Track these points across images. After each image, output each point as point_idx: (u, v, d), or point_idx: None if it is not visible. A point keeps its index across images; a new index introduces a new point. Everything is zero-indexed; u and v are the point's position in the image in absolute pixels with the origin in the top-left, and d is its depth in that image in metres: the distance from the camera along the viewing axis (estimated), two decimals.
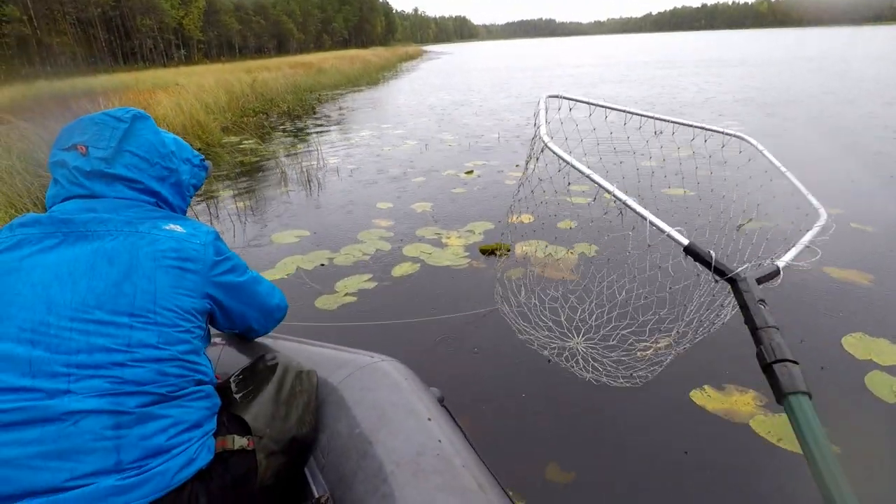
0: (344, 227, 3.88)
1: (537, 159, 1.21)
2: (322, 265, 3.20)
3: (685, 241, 0.92)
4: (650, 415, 1.80)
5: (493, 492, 0.91)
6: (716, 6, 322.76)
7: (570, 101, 1.31)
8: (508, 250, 3.23)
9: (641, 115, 1.31)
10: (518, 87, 14.57)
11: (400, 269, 3.07)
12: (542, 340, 1.45)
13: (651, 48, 39.28)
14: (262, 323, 1.17)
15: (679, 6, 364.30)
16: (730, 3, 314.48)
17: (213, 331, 1.09)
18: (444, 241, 3.47)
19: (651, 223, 0.95)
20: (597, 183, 1.07)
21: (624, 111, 1.31)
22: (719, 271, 0.90)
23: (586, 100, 1.31)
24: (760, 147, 1.30)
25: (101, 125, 0.97)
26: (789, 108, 8.23)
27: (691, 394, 1.86)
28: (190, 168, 1.12)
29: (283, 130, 8.85)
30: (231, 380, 1.08)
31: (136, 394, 0.79)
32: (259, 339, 1.31)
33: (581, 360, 1.34)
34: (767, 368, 0.72)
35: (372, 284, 2.90)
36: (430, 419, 1.03)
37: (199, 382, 0.89)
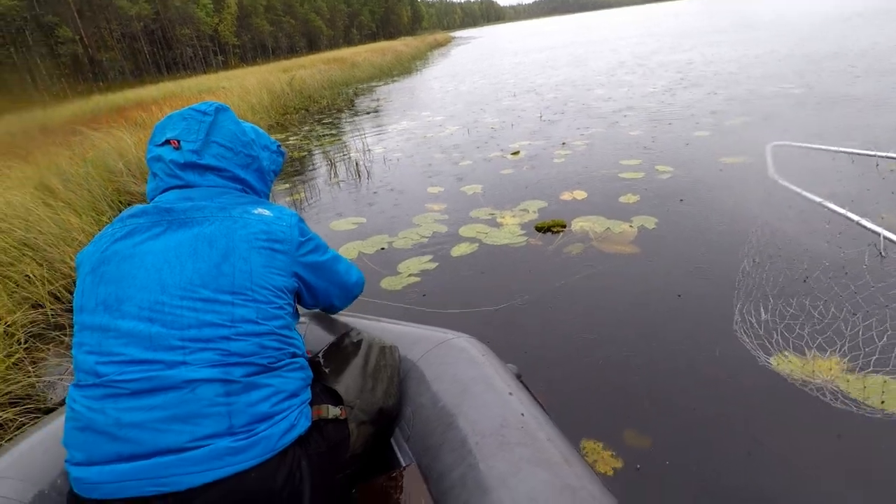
0: (397, 212, 3.97)
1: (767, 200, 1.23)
2: (382, 249, 3.31)
3: None
4: (723, 374, 1.80)
5: (579, 466, 0.92)
6: None
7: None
8: (564, 226, 3.24)
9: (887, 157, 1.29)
10: (551, 64, 14.30)
11: (458, 250, 3.14)
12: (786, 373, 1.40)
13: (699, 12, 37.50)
14: (343, 299, 1.24)
15: None
16: None
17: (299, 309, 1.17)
18: (499, 220, 3.51)
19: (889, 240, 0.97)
20: (835, 211, 1.09)
21: (868, 154, 1.29)
22: None
23: (819, 146, 1.31)
24: None
25: (189, 120, 1.06)
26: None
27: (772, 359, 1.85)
28: (269, 154, 1.19)
29: (325, 124, 9.05)
30: (319, 354, 1.15)
31: (241, 364, 0.86)
32: (341, 318, 1.40)
33: (830, 395, 1.28)
34: None
35: (433, 265, 2.98)
36: (511, 394, 1.06)
37: (294, 355, 0.95)
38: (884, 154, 1.26)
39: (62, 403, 1.46)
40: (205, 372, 0.83)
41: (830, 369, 1.60)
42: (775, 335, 1.51)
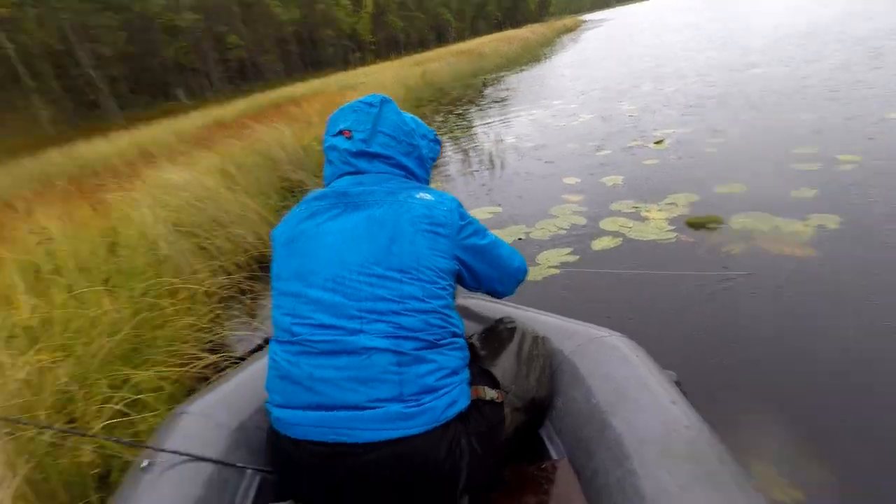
0: (533, 202, 3.96)
1: None
2: (520, 239, 3.33)
3: None
4: None
5: (755, 495, 0.84)
6: None
7: None
8: (720, 223, 2.98)
9: None
10: (694, 45, 13.07)
11: (600, 243, 3.04)
12: None
13: None
14: (505, 283, 1.24)
15: None
16: None
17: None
18: (643, 214, 3.34)
19: None
20: None
21: None
22: None
23: None
24: None
25: (359, 112, 1.14)
26: None
27: None
28: (427, 143, 1.25)
29: (457, 115, 9.26)
30: (474, 337, 1.19)
31: (410, 338, 0.93)
32: (492, 304, 1.42)
33: None
34: None
35: (573, 258, 2.94)
36: (673, 402, 1.01)
37: (454, 335, 1.00)
38: None
39: (252, 353, 1.70)
40: (379, 342, 0.91)
41: None
42: None
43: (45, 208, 4.17)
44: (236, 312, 2.99)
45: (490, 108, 9.56)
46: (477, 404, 0.99)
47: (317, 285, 0.97)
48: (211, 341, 2.46)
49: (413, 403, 0.90)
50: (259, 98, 15.19)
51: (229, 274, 3.28)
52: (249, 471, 1.08)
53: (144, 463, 1.03)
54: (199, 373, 2.18)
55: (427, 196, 1.06)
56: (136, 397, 1.87)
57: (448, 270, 1.03)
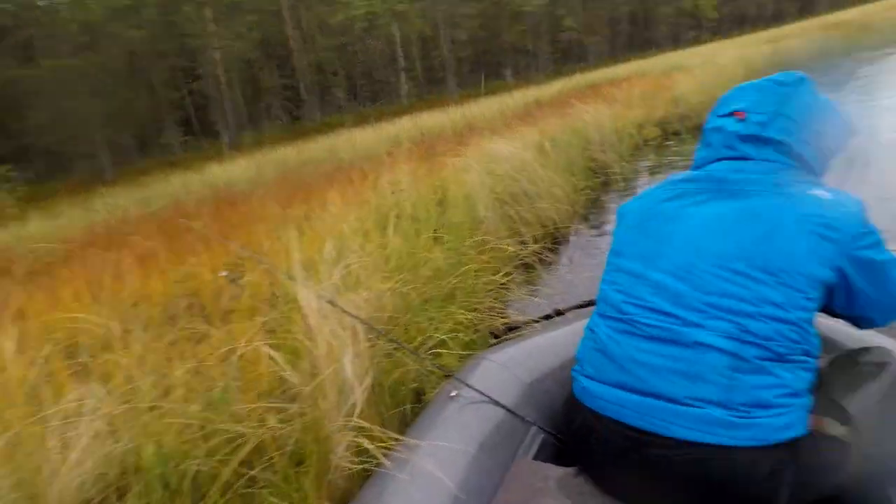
0: None
1: None
2: None
3: None
4: None
5: None
6: None
7: None
8: None
9: None
10: None
11: None
12: None
13: None
14: (884, 313, 1.01)
15: None
16: None
17: None
18: None
19: None
20: None
21: None
22: None
23: None
24: None
25: (763, 91, 1.04)
26: None
27: None
28: (837, 133, 1.08)
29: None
30: (824, 360, 0.99)
31: (755, 345, 0.84)
32: (855, 329, 1.15)
33: None
34: None
35: None
36: None
37: (807, 353, 0.88)
38: None
39: (542, 319, 1.79)
40: (718, 340, 0.85)
41: None
42: None
43: (399, 165, 5.22)
44: (529, 278, 3.26)
45: (869, 92, 7.47)
46: (814, 436, 0.87)
47: (662, 269, 0.95)
48: (508, 300, 2.75)
49: (742, 413, 0.83)
50: (578, 79, 15.52)
51: (525, 244, 3.57)
52: (534, 427, 1.16)
53: (453, 392, 1.20)
54: (493, 328, 2.45)
55: (824, 194, 0.93)
56: (452, 335, 2.09)
57: (823, 281, 0.90)
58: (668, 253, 0.95)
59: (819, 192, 0.93)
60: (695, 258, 0.92)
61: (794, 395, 0.86)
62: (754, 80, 1.08)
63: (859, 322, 1.07)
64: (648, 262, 0.97)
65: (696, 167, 1.11)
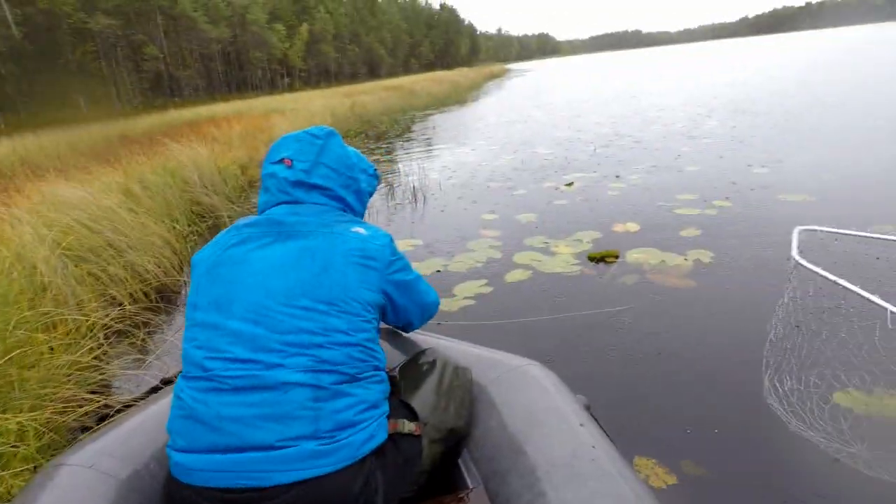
0: (453, 236, 4.06)
1: (790, 278, 1.36)
2: (438, 272, 3.38)
3: None
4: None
5: (651, 502, 0.90)
6: (822, 4, 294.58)
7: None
8: (617, 257, 3.23)
9: None
10: (604, 99, 14.29)
11: (512, 276, 3.17)
12: (820, 441, 1.42)
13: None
14: (420, 318, 1.27)
15: (780, 6, 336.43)
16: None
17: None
18: (552, 249, 3.53)
19: None
20: (857, 293, 1.16)
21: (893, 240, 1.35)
22: None
23: (849, 232, 1.38)
24: None
25: (303, 142, 1.13)
26: None
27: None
28: (366, 177, 1.24)
29: (383, 149, 9.36)
30: (396, 370, 1.18)
31: (331, 372, 0.90)
32: (416, 336, 1.42)
33: (863, 464, 1.32)
34: None
35: (488, 289, 3.03)
36: (581, 425, 1.05)
37: (376, 368, 0.99)
38: None
39: (147, 394, 1.56)
40: (298, 376, 0.88)
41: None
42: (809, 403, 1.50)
43: None
44: (129, 349, 2.75)
45: (416, 144, 9.77)
46: (394, 438, 0.97)
47: (237, 316, 0.93)
48: (94, 382, 2.23)
49: (328, 440, 0.86)
50: (174, 115, 14.43)
51: (121, 306, 3.03)
52: None
53: None
54: (78, 420, 1.96)
55: (361, 230, 1.06)
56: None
57: (374, 304, 1.02)
58: (242, 298, 0.94)
59: (359, 230, 1.05)
60: (266, 300, 0.93)
61: (372, 407, 0.93)
62: (294, 132, 1.16)
63: (407, 328, 1.31)
64: (224, 311, 0.94)
65: (260, 211, 1.14)
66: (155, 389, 1.52)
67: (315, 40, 61.37)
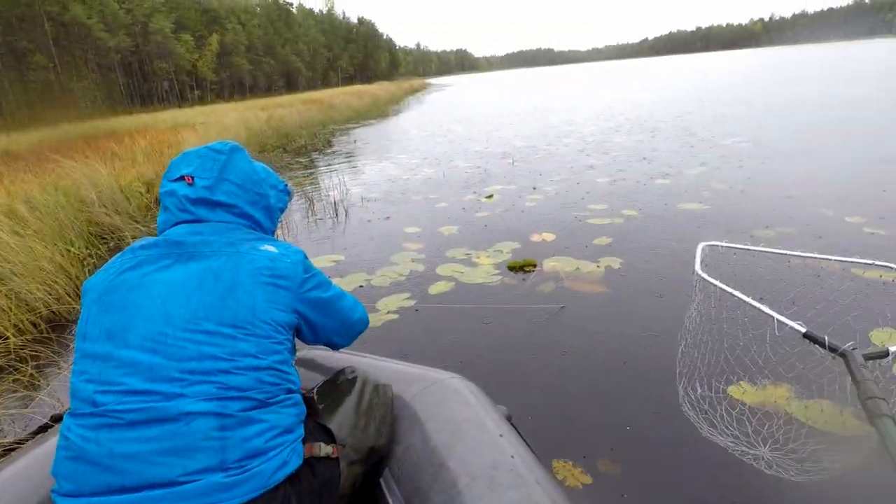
0: (375, 250, 4.05)
1: (695, 291, 1.46)
2: (361, 286, 3.36)
3: (803, 329, 1.17)
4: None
5: None
6: (710, 29, 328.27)
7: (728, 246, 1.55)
8: (535, 266, 3.38)
9: (799, 256, 1.49)
10: (520, 113, 14.94)
11: (436, 288, 3.22)
12: (729, 444, 1.51)
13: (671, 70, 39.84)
14: (344, 336, 1.22)
15: (675, 30, 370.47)
16: (724, 25, 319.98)
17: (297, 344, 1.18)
18: (474, 260, 3.63)
19: (782, 322, 1.20)
20: (749, 303, 1.28)
21: (784, 254, 1.51)
22: (833, 349, 1.14)
23: (745, 246, 1.51)
24: None
25: (204, 158, 1.09)
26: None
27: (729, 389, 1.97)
28: (276, 193, 1.21)
29: (302, 163, 9.15)
30: (314, 391, 1.14)
31: (238, 398, 0.86)
32: (336, 354, 1.40)
33: (765, 464, 1.42)
34: (865, 403, 1.02)
35: (411, 302, 3.05)
36: (501, 435, 1.06)
37: (290, 391, 0.95)
38: (793, 253, 1.47)
39: (33, 435, 1.42)
40: (201, 405, 0.83)
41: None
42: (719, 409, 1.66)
43: None
44: (13, 386, 2.48)
45: (337, 158, 9.64)
46: (310, 462, 0.93)
47: (132, 345, 0.86)
48: None
49: (236, 471, 0.82)
50: (67, 129, 13.23)
51: (5, 338, 2.72)
52: None
53: None
54: None
55: (271, 248, 1.01)
56: None
57: (286, 324, 0.98)
58: (137, 325, 0.88)
59: (268, 247, 1.01)
60: (165, 326, 0.88)
61: (286, 432, 0.89)
62: (195, 148, 1.12)
63: (332, 347, 1.26)
64: (117, 340, 0.87)
65: (159, 232, 1.08)
66: (44, 428, 1.38)
67: (227, 52, 58.89)
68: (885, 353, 1.13)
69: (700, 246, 1.51)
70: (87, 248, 4.36)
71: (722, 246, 1.54)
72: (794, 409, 1.83)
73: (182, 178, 1.07)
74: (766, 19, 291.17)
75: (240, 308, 0.91)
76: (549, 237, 3.96)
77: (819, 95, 13.07)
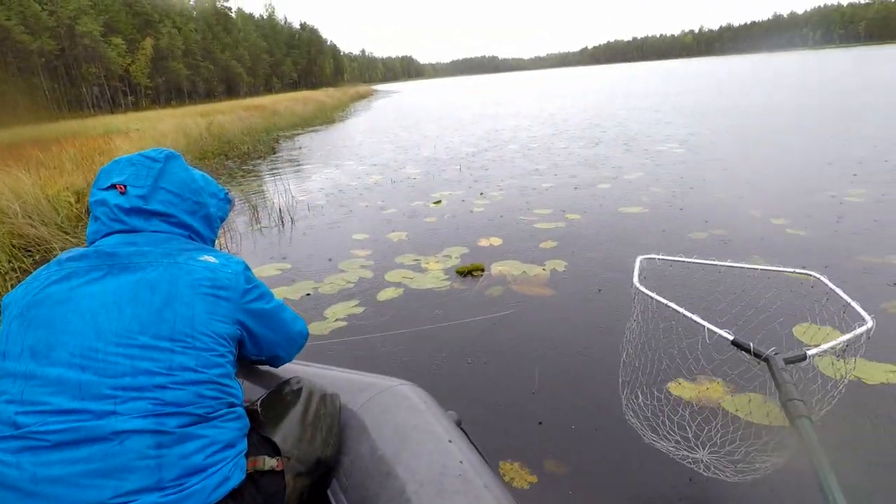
0: (323, 258, 4.01)
1: (634, 303, 1.52)
2: (308, 294, 3.32)
3: (731, 337, 1.26)
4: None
5: None
6: (646, 39, 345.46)
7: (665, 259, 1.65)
8: (483, 270, 3.45)
9: (729, 266, 1.58)
10: (470, 119, 15.17)
11: (384, 294, 3.22)
12: (670, 449, 1.56)
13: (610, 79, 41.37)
14: (287, 349, 1.20)
15: (612, 40, 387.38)
16: (658, 36, 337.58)
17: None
18: (423, 266, 3.66)
19: (712, 331, 1.28)
20: (682, 313, 1.36)
21: (714, 264, 1.61)
22: (757, 354, 1.23)
23: (679, 258, 1.60)
24: (831, 285, 1.43)
25: (138, 165, 1.06)
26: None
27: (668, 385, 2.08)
28: (216, 202, 1.19)
29: (246, 171, 8.90)
30: (258, 403, 1.11)
31: (176, 414, 0.83)
32: (282, 366, 1.36)
33: (703, 467, 1.49)
34: (785, 405, 1.11)
35: (360, 310, 3.04)
36: (450, 441, 1.06)
37: (232, 405, 0.93)
38: (724, 264, 1.60)
39: None
40: (135, 423, 0.80)
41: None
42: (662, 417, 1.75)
43: None
44: None
45: (282, 165, 9.44)
46: (254, 477, 0.91)
47: (59, 362, 0.82)
48: None
49: (174, 490, 0.79)
50: None
51: None
52: None
53: None
54: None
55: (211, 258, 0.99)
56: None
57: (228, 336, 0.96)
58: (65, 342, 0.84)
59: (207, 258, 0.98)
60: (96, 341, 0.84)
61: (227, 447, 0.88)
62: (128, 155, 1.08)
63: (273, 362, 1.24)
64: (42, 358, 0.83)
65: (90, 243, 1.04)
66: None
67: (162, 56, 56.29)
68: (804, 357, 1.22)
69: (638, 259, 1.59)
70: (9, 261, 4.07)
71: (659, 259, 1.63)
72: (726, 404, 1.96)
73: (113, 186, 1.03)
74: (697, 31, 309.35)
75: (178, 320, 0.89)
76: (497, 241, 4.05)
77: (748, 104, 14.04)
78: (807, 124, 9.29)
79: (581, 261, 3.51)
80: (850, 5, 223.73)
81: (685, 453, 1.53)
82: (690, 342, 1.55)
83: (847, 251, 3.31)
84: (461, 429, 1.20)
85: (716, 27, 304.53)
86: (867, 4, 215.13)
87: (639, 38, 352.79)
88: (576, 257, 3.57)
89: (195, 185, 1.12)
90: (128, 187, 1.03)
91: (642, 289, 1.46)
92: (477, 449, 1.13)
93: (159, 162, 1.08)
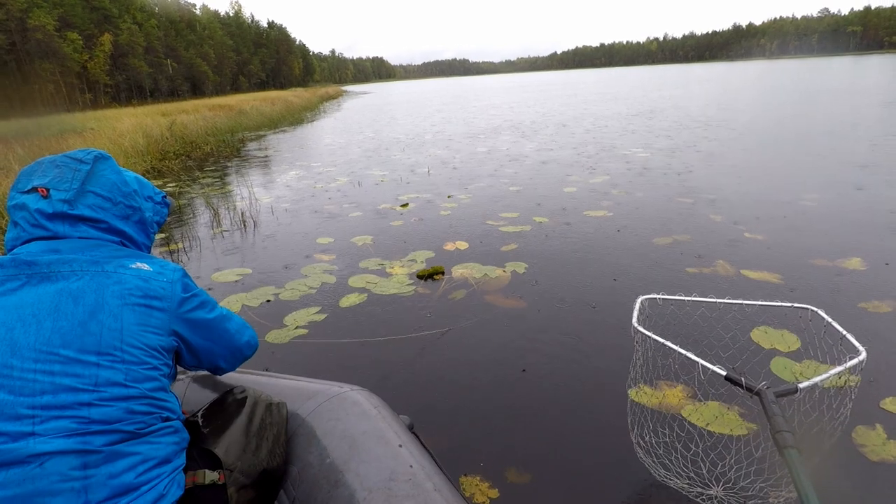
0: (286, 263, 3.91)
1: (635, 343, 1.53)
2: (268, 301, 3.23)
3: (724, 372, 1.29)
4: (596, 410, 2.03)
5: None
6: (613, 46, 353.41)
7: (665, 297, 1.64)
8: (443, 273, 3.44)
9: (728, 303, 1.59)
10: (440, 120, 15.18)
11: (347, 301, 3.17)
12: (683, 486, 1.56)
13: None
14: (230, 360, 1.15)
15: (580, 46, 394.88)
16: (625, 42, 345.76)
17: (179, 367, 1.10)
18: (388, 270, 3.62)
19: (705, 367, 1.30)
20: (678, 351, 1.37)
21: (714, 302, 1.62)
22: (749, 388, 1.25)
23: (681, 297, 1.61)
24: (829, 319, 1.43)
25: (63, 167, 0.98)
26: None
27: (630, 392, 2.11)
28: (153, 206, 1.12)
29: (209, 172, 8.66)
30: (199, 414, 1.08)
31: (103, 432, 0.79)
32: (225, 374, 1.31)
33: (717, 502, 1.49)
34: (774, 437, 1.14)
35: (321, 317, 2.98)
36: (400, 445, 1.05)
37: (167, 419, 0.89)
38: (723, 300, 1.63)
39: None
40: (56, 443, 0.76)
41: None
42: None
43: None
44: None
45: (247, 166, 9.22)
46: (193, 492, 0.89)
47: None
48: None
49: None
50: None
51: None
52: None
53: None
54: None
55: (144, 266, 0.93)
56: None
57: (162, 348, 0.91)
58: None
59: (140, 265, 0.93)
60: (10, 357, 0.79)
61: (163, 463, 0.85)
62: (52, 156, 1.01)
63: (215, 372, 1.19)
64: None
65: (8, 250, 0.97)
66: None
67: (121, 53, 54.37)
68: (795, 390, 1.24)
69: (638, 300, 1.61)
70: None
71: (660, 299, 1.64)
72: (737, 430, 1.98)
73: (35, 189, 0.95)
74: (661, 38, 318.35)
75: (105, 333, 0.84)
76: (463, 245, 4.04)
77: (716, 111, 14.49)
78: (764, 130, 9.64)
79: (546, 264, 3.53)
80: (804, 18, 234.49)
81: (699, 490, 1.53)
82: (689, 377, 1.57)
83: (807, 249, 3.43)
84: (413, 433, 1.18)
85: (679, 35, 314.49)
86: (819, 18, 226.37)
87: (606, 44, 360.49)
88: (539, 260, 3.60)
89: (127, 189, 1.05)
90: (51, 191, 0.95)
91: (641, 329, 1.48)
92: (429, 452, 1.11)
93: (87, 164, 1.00)
